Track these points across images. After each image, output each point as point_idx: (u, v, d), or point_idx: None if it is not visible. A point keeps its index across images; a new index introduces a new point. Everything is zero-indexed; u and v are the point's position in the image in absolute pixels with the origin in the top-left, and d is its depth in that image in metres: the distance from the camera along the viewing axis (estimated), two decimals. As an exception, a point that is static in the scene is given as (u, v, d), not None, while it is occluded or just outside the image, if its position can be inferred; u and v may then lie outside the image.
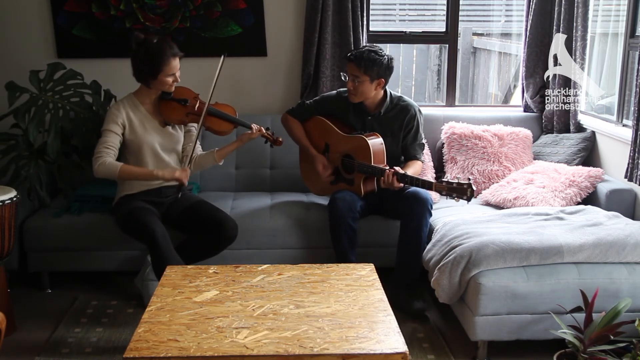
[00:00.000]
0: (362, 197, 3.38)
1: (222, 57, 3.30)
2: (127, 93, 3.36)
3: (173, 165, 3.34)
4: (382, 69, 3.33)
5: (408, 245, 3.24)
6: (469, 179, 2.96)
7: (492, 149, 3.87)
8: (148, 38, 3.19)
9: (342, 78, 3.45)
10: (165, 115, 3.28)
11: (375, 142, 3.36)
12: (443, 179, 3.06)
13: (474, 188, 2.95)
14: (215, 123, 3.35)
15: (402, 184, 3.22)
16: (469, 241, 2.87)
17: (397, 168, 3.23)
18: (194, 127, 3.38)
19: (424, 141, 3.55)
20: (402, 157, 3.53)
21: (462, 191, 2.95)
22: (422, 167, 3.51)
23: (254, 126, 3.36)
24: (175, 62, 3.19)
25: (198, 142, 3.44)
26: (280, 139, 3.45)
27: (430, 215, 3.30)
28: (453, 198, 2.98)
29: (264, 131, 3.39)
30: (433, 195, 3.43)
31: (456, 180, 2.98)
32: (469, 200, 2.95)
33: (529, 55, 4.15)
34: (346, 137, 3.46)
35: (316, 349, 1.99)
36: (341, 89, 3.59)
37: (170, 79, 3.21)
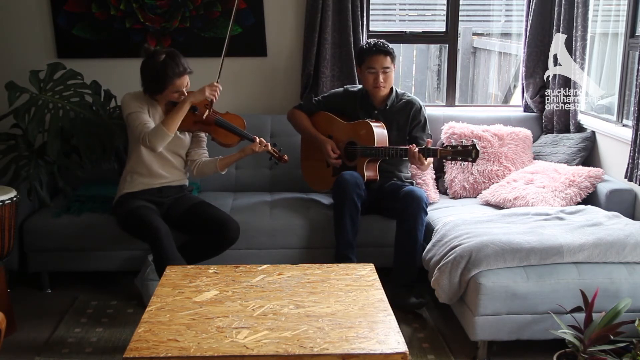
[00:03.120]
0: (365, 182, 3.39)
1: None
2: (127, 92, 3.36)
3: (176, 164, 3.34)
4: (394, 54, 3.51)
5: (404, 245, 3.25)
6: (473, 141, 2.98)
7: (492, 149, 3.87)
8: (156, 52, 3.18)
9: (367, 75, 3.46)
10: None
11: (379, 127, 3.43)
12: (447, 145, 3.11)
13: (479, 149, 2.97)
14: (221, 134, 3.34)
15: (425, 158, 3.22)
16: (469, 241, 2.87)
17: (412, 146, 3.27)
18: (203, 134, 3.39)
19: (430, 132, 3.60)
20: None
21: (467, 153, 2.98)
22: (431, 160, 3.48)
23: (257, 139, 3.33)
24: (181, 81, 3.19)
25: (205, 149, 3.44)
26: (286, 157, 3.41)
27: (426, 214, 3.30)
28: (459, 161, 3.02)
29: (270, 147, 3.36)
30: (433, 194, 3.43)
31: (460, 144, 3.01)
32: (474, 160, 2.98)
33: (529, 55, 4.15)
34: (348, 125, 3.51)
35: (316, 349, 1.99)
36: (347, 85, 3.67)
37: (176, 95, 3.22)
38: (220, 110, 3.40)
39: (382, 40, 3.50)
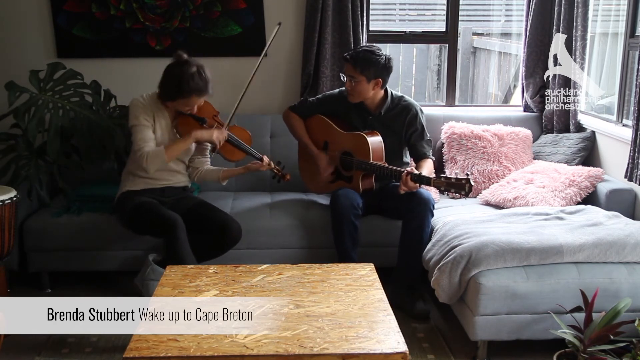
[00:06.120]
0: (360, 194, 3.39)
1: (278, 25, 3.35)
2: (127, 92, 3.35)
3: (179, 169, 3.35)
4: (379, 69, 3.32)
5: (409, 245, 3.24)
6: (467, 174, 2.97)
7: (492, 149, 3.87)
8: (189, 62, 3.12)
9: (342, 78, 3.46)
10: (182, 130, 3.27)
11: (374, 140, 3.38)
12: (441, 175, 3.06)
13: (473, 184, 2.96)
14: (227, 151, 3.34)
15: (418, 185, 3.17)
16: (469, 241, 2.87)
17: (410, 169, 3.21)
18: (207, 147, 3.40)
19: (429, 137, 3.54)
20: (407, 156, 3.55)
21: (460, 186, 2.96)
22: (432, 164, 3.47)
23: (265, 159, 3.36)
24: (199, 100, 3.18)
25: (208, 157, 3.46)
26: (288, 177, 3.46)
27: (432, 215, 3.30)
28: (451, 193, 2.99)
29: (274, 166, 3.40)
30: (434, 194, 3.42)
31: (455, 176, 2.99)
32: (467, 195, 2.96)
33: (529, 55, 4.15)
34: (345, 135, 3.47)
35: (316, 349, 1.99)
36: (343, 88, 3.59)
37: (186, 108, 3.20)
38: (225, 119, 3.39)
39: (362, 48, 3.39)
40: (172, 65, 3.17)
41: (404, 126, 3.45)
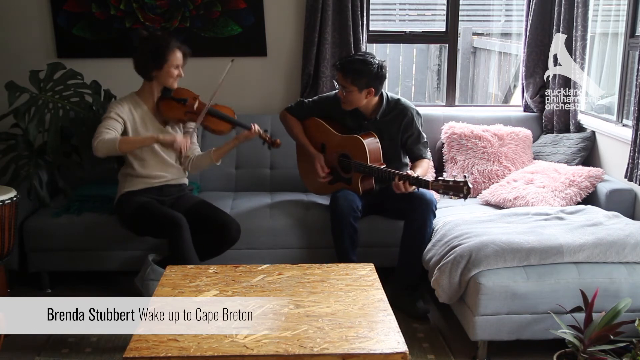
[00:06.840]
0: (360, 195, 3.39)
1: (230, 62, 3.31)
2: (127, 92, 3.36)
3: (173, 162, 3.35)
4: (371, 79, 3.29)
5: (411, 245, 3.24)
6: (465, 176, 2.97)
7: (492, 149, 3.87)
8: (152, 32, 3.27)
9: (334, 85, 3.45)
10: (164, 113, 3.30)
11: (371, 142, 3.38)
12: (439, 178, 3.06)
13: (470, 186, 2.95)
14: (213, 122, 3.35)
15: (414, 186, 3.16)
16: (468, 241, 2.87)
17: (410, 172, 3.20)
18: (192, 127, 3.39)
19: (426, 139, 3.53)
20: (406, 157, 3.53)
21: (459, 189, 2.96)
22: (429, 165, 3.48)
23: (254, 127, 3.35)
24: (180, 55, 3.24)
25: (197, 144, 3.45)
26: (278, 141, 3.44)
27: (434, 216, 3.29)
28: (450, 196, 2.98)
29: (262, 132, 3.39)
30: (435, 194, 3.42)
31: (452, 179, 2.99)
32: (465, 197, 2.95)
33: (529, 55, 4.15)
34: (342, 137, 3.47)
35: (316, 349, 1.99)
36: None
37: (175, 71, 3.23)
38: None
39: (354, 57, 3.36)
40: (142, 41, 3.26)
41: (399, 131, 3.44)
